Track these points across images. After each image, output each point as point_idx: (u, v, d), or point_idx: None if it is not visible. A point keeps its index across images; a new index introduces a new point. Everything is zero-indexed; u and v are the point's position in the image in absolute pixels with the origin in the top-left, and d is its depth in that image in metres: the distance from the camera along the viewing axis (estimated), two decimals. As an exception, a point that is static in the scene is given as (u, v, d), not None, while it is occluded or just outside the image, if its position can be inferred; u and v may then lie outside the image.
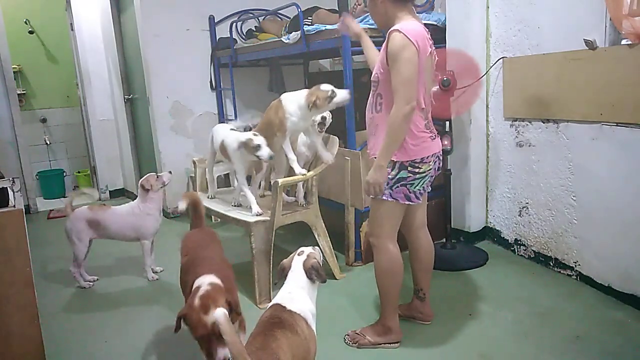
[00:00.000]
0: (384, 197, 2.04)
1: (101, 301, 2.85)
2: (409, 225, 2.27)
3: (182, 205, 2.34)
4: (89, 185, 5.77)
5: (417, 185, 2.04)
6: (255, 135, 2.63)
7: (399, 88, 1.87)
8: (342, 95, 2.58)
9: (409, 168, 2.00)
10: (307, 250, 1.80)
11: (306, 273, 1.72)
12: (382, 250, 2.12)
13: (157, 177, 2.98)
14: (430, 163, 2.05)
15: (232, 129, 2.93)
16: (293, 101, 2.65)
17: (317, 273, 1.72)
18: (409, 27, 1.88)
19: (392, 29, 1.90)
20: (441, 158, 2.15)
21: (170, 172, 3.07)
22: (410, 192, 2.04)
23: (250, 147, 2.59)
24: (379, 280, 2.17)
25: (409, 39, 1.84)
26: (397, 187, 2.03)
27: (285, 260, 1.79)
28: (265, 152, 2.58)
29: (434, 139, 2.08)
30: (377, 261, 2.15)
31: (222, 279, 1.78)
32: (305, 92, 2.64)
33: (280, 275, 1.78)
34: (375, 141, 2.08)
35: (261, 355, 1.40)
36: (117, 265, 3.32)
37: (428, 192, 3.36)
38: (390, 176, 2.01)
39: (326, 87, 2.59)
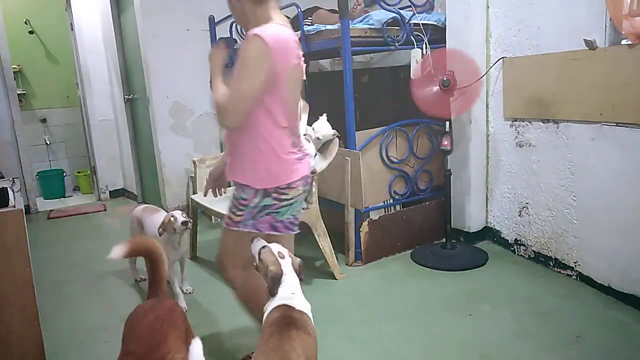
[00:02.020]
0: (245, 229, 1.77)
1: (102, 301, 2.85)
2: None
3: (116, 253, 1.61)
4: (89, 185, 5.76)
5: (284, 214, 1.79)
6: (305, 138, 2.58)
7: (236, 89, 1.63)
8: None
9: (274, 195, 1.74)
10: (283, 250, 1.74)
11: (296, 273, 1.72)
12: (241, 282, 1.87)
13: (172, 219, 2.62)
14: (299, 187, 1.78)
15: None
16: None
17: (302, 272, 1.73)
18: (271, 31, 1.63)
19: (252, 31, 1.61)
20: (311, 180, 1.85)
21: (185, 223, 2.61)
22: (276, 222, 1.79)
23: None
24: (248, 310, 1.95)
25: (267, 44, 1.59)
26: (262, 216, 1.76)
27: (273, 270, 1.68)
28: (317, 159, 2.58)
29: (302, 159, 1.81)
30: (239, 295, 1.91)
31: None
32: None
33: (275, 284, 1.68)
34: (234, 161, 1.78)
35: (273, 357, 1.39)
36: (121, 268, 3.31)
37: (427, 193, 3.42)
38: (252, 204, 1.75)
39: None
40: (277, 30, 1.65)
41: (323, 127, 2.83)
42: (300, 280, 1.73)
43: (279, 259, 1.73)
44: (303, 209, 2.79)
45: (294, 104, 1.78)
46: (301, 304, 1.64)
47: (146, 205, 3.07)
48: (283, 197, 1.75)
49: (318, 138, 2.73)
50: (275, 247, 1.74)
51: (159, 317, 1.46)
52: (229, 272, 1.90)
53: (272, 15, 1.71)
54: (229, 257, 1.88)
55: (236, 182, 1.80)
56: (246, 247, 1.72)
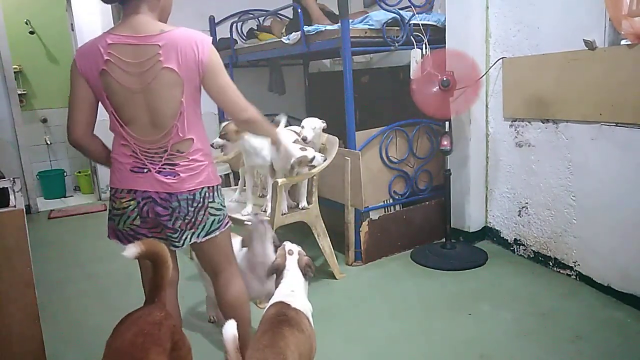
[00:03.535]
0: (108, 232, 1.75)
1: (103, 301, 2.85)
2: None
3: (131, 252, 1.44)
4: (90, 185, 5.76)
5: (119, 223, 1.67)
6: (303, 149, 2.59)
7: None
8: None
9: (112, 199, 1.69)
10: (294, 247, 1.84)
11: (302, 271, 1.77)
12: None
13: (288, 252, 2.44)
14: (125, 201, 1.64)
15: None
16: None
17: (310, 270, 1.79)
18: (83, 44, 1.71)
19: None
20: (161, 202, 1.62)
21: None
22: (116, 230, 1.69)
23: (307, 162, 2.59)
24: None
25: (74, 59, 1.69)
26: (108, 218, 1.73)
27: (277, 260, 1.80)
28: (319, 158, 2.59)
29: (142, 173, 1.63)
30: None
31: None
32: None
33: (272, 272, 1.80)
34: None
35: (268, 354, 1.40)
36: (121, 268, 3.32)
37: (426, 193, 3.42)
38: (109, 206, 1.73)
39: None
40: (86, 43, 1.73)
41: (308, 122, 2.85)
42: (307, 277, 1.78)
43: (287, 254, 1.79)
44: (303, 208, 2.84)
45: (129, 113, 1.70)
46: (299, 302, 1.66)
47: None
48: (114, 203, 1.69)
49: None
50: (288, 245, 1.83)
51: (142, 331, 1.36)
52: None
53: (122, 19, 1.69)
54: None
55: None
56: None
